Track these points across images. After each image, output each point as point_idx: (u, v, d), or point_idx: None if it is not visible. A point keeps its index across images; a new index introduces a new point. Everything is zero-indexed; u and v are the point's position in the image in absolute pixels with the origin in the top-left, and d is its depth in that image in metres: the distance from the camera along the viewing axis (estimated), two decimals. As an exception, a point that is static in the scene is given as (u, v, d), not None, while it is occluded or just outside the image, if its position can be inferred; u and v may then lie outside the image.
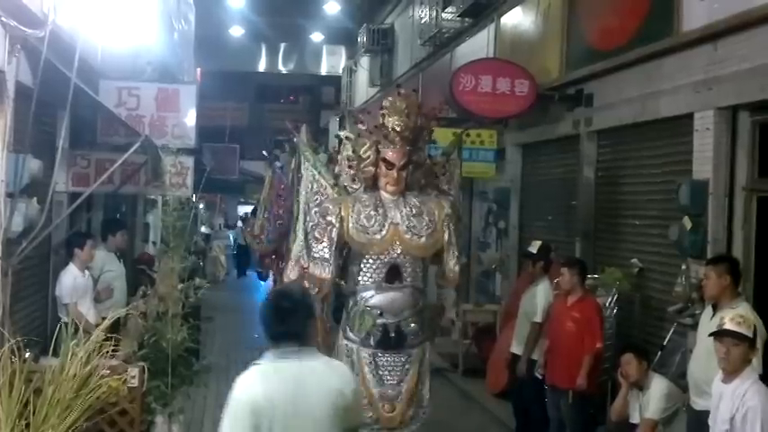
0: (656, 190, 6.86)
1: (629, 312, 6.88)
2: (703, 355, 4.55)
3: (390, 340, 4.71)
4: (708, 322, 4.64)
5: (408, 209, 4.80)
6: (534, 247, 7.13)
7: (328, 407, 2.87)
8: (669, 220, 6.30)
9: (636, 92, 6.99)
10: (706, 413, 4.10)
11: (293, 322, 2.92)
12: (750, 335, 3.79)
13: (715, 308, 4.73)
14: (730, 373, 3.79)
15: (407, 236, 4.73)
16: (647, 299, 6.81)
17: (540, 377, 6.34)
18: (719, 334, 3.81)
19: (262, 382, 2.84)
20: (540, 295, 6.61)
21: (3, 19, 4.50)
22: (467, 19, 11.88)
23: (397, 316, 4.72)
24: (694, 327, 5.35)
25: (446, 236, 4.88)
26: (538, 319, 6.54)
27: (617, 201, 7.66)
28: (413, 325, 4.76)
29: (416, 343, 4.81)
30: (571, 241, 8.20)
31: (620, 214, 7.57)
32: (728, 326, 3.80)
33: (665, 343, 6.04)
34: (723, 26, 5.73)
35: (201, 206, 27.24)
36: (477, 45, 11.08)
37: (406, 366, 4.76)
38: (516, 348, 6.83)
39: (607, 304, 6.66)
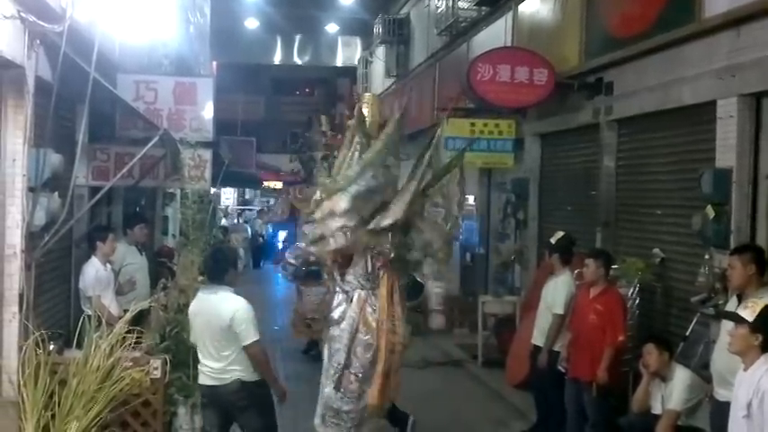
0: (679, 179, 6.78)
1: (651, 303, 6.82)
2: (727, 346, 4.49)
3: None
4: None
5: None
6: (554, 238, 7.08)
7: (214, 321, 4.82)
8: (692, 209, 6.22)
9: (657, 80, 6.91)
10: (729, 404, 4.05)
11: (216, 270, 4.95)
12: (750, 319, 3.76)
13: (740, 298, 4.66)
14: (744, 360, 3.77)
15: None
16: (670, 289, 6.74)
17: (564, 370, 6.30)
18: (721, 317, 3.78)
19: (194, 302, 5.09)
20: (561, 287, 6.56)
21: (22, 14, 4.51)
22: (484, 7, 11.79)
23: None
24: (717, 317, 5.29)
25: None
26: (560, 311, 6.50)
27: (638, 190, 7.58)
28: None
29: None
30: (592, 231, 8.13)
31: (642, 204, 7.49)
32: (742, 312, 3.79)
33: (687, 333, 5.97)
34: (746, 12, 5.64)
35: (229, 200, 27.41)
36: (495, 34, 10.99)
37: None
38: (537, 340, 6.79)
39: (629, 295, 6.60)
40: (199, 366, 5.00)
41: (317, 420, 5.67)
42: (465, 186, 6.18)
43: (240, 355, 4.79)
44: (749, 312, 3.76)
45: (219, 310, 4.80)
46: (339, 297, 5.74)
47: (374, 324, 5.58)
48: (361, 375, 5.56)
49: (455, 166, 6.04)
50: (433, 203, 5.91)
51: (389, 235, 5.62)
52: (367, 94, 5.91)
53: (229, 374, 4.81)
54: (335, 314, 5.71)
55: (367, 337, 5.57)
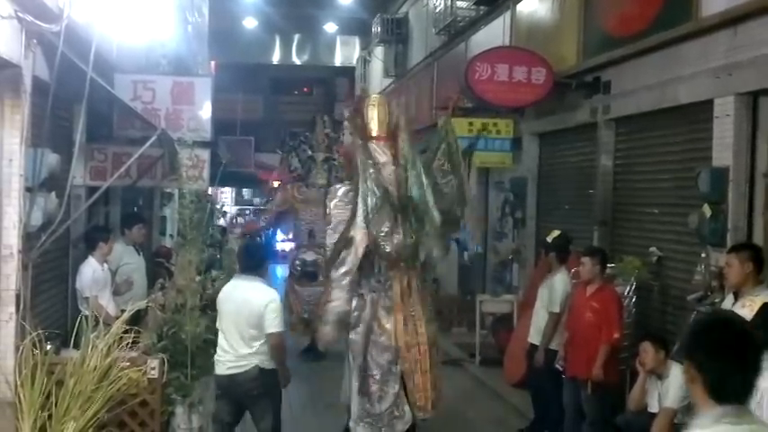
0: (676, 177, 6.79)
1: (647, 301, 6.82)
2: None
3: None
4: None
5: None
6: (550, 237, 7.09)
7: (244, 309, 5.08)
8: (688, 207, 6.23)
9: (654, 78, 6.91)
10: None
11: (251, 261, 5.27)
12: (748, 317, 3.77)
13: (736, 296, 4.67)
14: None
15: None
16: (667, 287, 6.75)
17: (561, 368, 6.31)
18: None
19: (226, 287, 5.34)
20: (557, 285, 6.57)
21: (19, 14, 4.51)
22: (482, 7, 11.80)
23: None
24: (714, 315, 5.29)
25: None
26: (556, 309, 6.51)
27: (635, 189, 7.59)
28: None
29: None
30: (589, 230, 8.14)
31: (639, 202, 7.50)
32: (739, 310, 3.78)
33: (684, 332, 5.99)
34: (743, 11, 5.65)
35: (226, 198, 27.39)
36: (493, 33, 11.00)
37: None
38: (534, 338, 6.80)
39: (626, 293, 6.61)
40: (216, 357, 5.21)
41: (351, 423, 5.65)
42: (460, 153, 6.06)
43: (265, 343, 5.05)
44: (747, 311, 3.77)
45: (252, 299, 5.07)
46: (356, 301, 5.69)
47: (389, 325, 5.58)
48: (379, 377, 5.55)
49: (446, 132, 5.97)
50: (442, 173, 5.87)
51: (392, 236, 5.56)
52: (374, 94, 5.70)
53: (249, 361, 5.06)
54: (353, 319, 5.67)
55: (382, 339, 5.57)
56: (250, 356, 5.08)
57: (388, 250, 5.57)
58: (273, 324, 5.05)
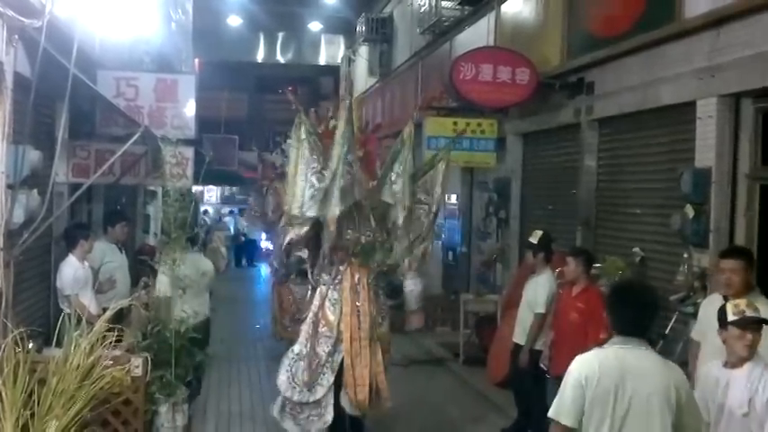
0: (658, 178, 6.84)
1: (630, 301, 6.85)
2: (718, 348, 4.43)
3: None
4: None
5: None
6: (535, 237, 7.11)
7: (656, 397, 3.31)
8: (671, 208, 6.29)
9: (637, 80, 6.97)
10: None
11: (640, 323, 3.46)
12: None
13: (725, 298, 4.64)
14: (744, 360, 3.75)
15: None
16: (649, 287, 6.79)
17: (545, 368, 6.34)
18: (756, 322, 3.75)
19: (604, 361, 3.39)
20: (542, 286, 6.60)
21: (0, 9, 4.46)
22: (467, 7, 11.84)
23: None
24: (695, 315, 5.32)
25: None
26: (541, 309, 6.53)
27: (618, 189, 7.64)
28: None
29: None
30: (572, 230, 8.19)
31: (622, 203, 7.56)
32: (750, 313, 3.77)
33: (666, 332, 6.03)
34: (726, 12, 5.71)
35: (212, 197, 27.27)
36: (478, 33, 11.03)
37: None
38: (518, 338, 6.82)
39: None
40: None
41: (275, 410, 5.79)
42: (448, 184, 6.30)
43: None
44: (760, 313, 3.74)
45: (666, 387, 3.35)
46: (309, 293, 5.92)
47: (332, 317, 5.71)
48: (314, 367, 5.66)
49: (441, 161, 6.11)
50: (417, 200, 6.00)
51: (346, 228, 5.71)
52: (348, 99, 6.09)
53: None
54: (306, 309, 5.89)
55: (324, 329, 5.72)
56: None
57: (348, 238, 5.74)
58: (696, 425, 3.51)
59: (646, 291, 3.65)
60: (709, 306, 4.68)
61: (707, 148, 5.95)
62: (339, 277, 5.79)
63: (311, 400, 5.66)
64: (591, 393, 3.25)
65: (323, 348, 5.68)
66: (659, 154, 6.88)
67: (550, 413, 3.38)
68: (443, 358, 9.84)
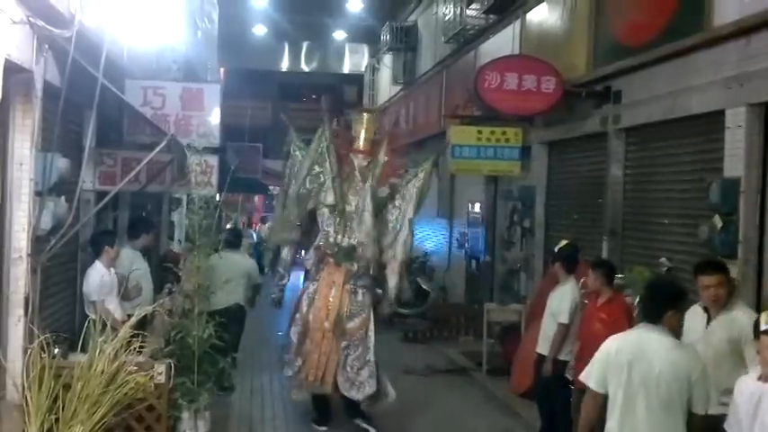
0: (686, 188, 6.75)
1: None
2: (713, 360, 4.37)
3: None
4: (705, 326, 4.61)
5: None
6: (559, 246, 7.05)
7: (665, 375, 3.81)
8: (699, 218, 6.19)
9: (665, 88, 6.89)
10: (718, 417, 4.01)
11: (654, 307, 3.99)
12: (748, 325, 3.90)
13: (706, 310, 4.67)
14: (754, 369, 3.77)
15: None
16: (676, 298, 6.69)
17: (570, 378, 6.26)
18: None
19: (627, 344, 3.99)
20: (566, 296, 6.52)
21: (30, 19, 4.53)
22: (492, 15, 11.80)
23: None
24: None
25: None
26: (564, 319, 6.46)
27: (645, 199, 7.55)
28: None
29: None
30: (598, 240, 8.11)
31: (649, 213, 7.46)
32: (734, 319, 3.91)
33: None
34: (755, 20, 5.63)
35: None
36: (503, 42, 11.00)
37: None
38: (542, 348, 6.75)
39: (635, 303, 6.56)
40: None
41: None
42: (427, 192, 7.09)
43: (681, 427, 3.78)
44: (747, 318, 3.80)
45: (674, 364, 3.78)
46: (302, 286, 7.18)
47: (304, 309, 6.70)
48: (294, 349, 6.74)
49: (423, 171, 6.95)
50: (393, 204, 6.89)
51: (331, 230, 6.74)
52: (365, 114, 7.22)
53: None
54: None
55: (297, 316, 6.79)
56: None
57: (330, 240, 6.78)
58: (702, 402, 3.80)
59: (667, 286, 4.23)
60: (694, 316, 4.73)
61: (736, 158, 5.86)
62: (319, 275, 6.74)
63: (291, 373, 6.77)
64: (611, 363, 3.90)
65: (295, 335, 6.69)
66: (687, 163, 6.79)
67: (581, 377, 4.07)
68: (466, 368, 9.78)
